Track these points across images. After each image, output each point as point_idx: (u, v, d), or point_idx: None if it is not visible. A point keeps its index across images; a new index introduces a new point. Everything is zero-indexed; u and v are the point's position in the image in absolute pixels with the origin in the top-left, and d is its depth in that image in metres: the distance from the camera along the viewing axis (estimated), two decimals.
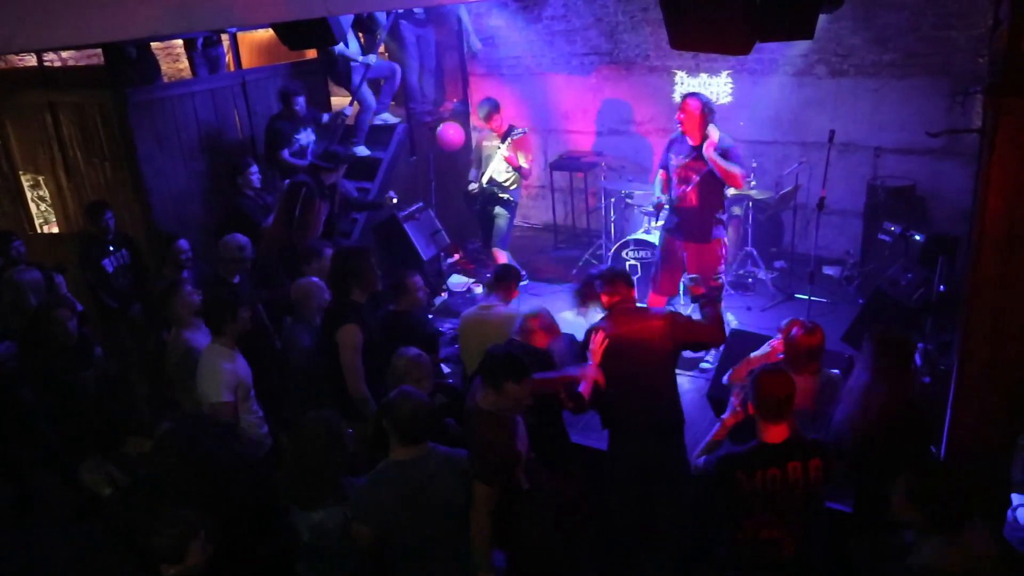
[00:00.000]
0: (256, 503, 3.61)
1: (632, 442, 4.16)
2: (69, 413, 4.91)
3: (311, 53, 8.29)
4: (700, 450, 3.68)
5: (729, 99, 8.12)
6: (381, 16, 7.59)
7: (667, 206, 6.12)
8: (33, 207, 7.45)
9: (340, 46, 7.23)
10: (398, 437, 3.24)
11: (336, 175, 6.37)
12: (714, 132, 5.70)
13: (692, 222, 5.93)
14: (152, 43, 7.64)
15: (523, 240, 9.15)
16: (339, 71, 7.74)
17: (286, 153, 6.91)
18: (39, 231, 7.46)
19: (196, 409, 4.30)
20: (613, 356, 4.08)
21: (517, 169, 7.20)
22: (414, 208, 7.87)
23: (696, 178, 5.77)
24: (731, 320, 6.80)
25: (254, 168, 6.57)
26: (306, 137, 7.07)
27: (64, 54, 8.88)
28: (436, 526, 3.23)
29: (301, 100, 6.99)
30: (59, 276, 5.56)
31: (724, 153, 5.69)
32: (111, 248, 6.10)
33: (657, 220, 6.68)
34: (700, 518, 4.24)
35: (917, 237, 6.47)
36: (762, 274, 7.46)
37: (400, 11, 7.74)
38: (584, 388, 4.00)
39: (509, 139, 7.13)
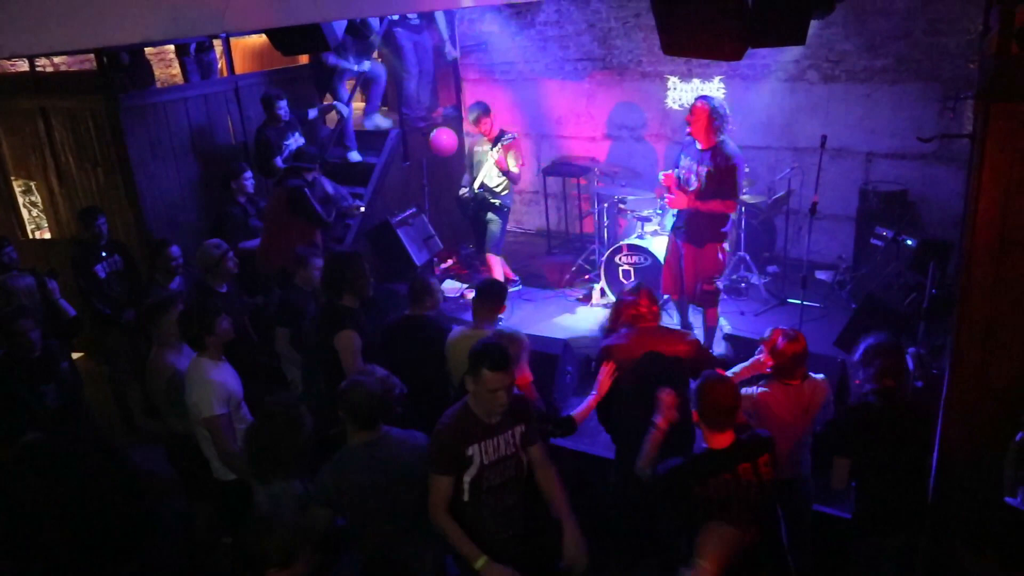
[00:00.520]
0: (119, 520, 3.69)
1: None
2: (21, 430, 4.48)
3: (305, 58, 8.29)
4: (643, 459, 3.63)
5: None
6: (374, 22, 7.60)
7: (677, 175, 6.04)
8: (25, 213, 7.43)
9: (333, 55, 7.24)
10: (354, 423, 3.40)
11: (314, 174, 6.38)
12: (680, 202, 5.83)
13: (691, 225, 5.95)
14: (145, 48, 7.64)
15: (516, 245, 9.16)
16: (321, 76, 7.75)
17: (279, 161, 6.91)
18: (31, 237, 7.44)
19: (188, 431, 4.21)
20: (630, 371, 4.06)
21: (506, 173, 7.20)
22: (407, 213, 7.87)
23: (696, 183, 5.78)
24: (724, 325, 6.81)
25: (248, 174, 6.56)
26: (295, 142, 7.07)
27: (56, 59, 8.87)
28: (400, 501, 3.37)
29: (283, 104, 6.98)
30: (52, 282, 5.54)
31: (722, 165, 5.66)
32: (104, 254, 6.07)
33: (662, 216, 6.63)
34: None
35: (909, 242, 6.49)
36: (755, 279, 7.47)
37: (395, 18, 7.75)
38: (578, 413, 4.00)
39: (499, 144, 7.14)
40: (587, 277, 8.03)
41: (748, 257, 7.47)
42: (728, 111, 5.70)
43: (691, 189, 5.81)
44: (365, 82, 8.00)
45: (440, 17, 8.22)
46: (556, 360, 5.69)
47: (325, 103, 7.89)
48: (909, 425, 3.69)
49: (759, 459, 3.31)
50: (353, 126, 8.08)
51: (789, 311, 6.97)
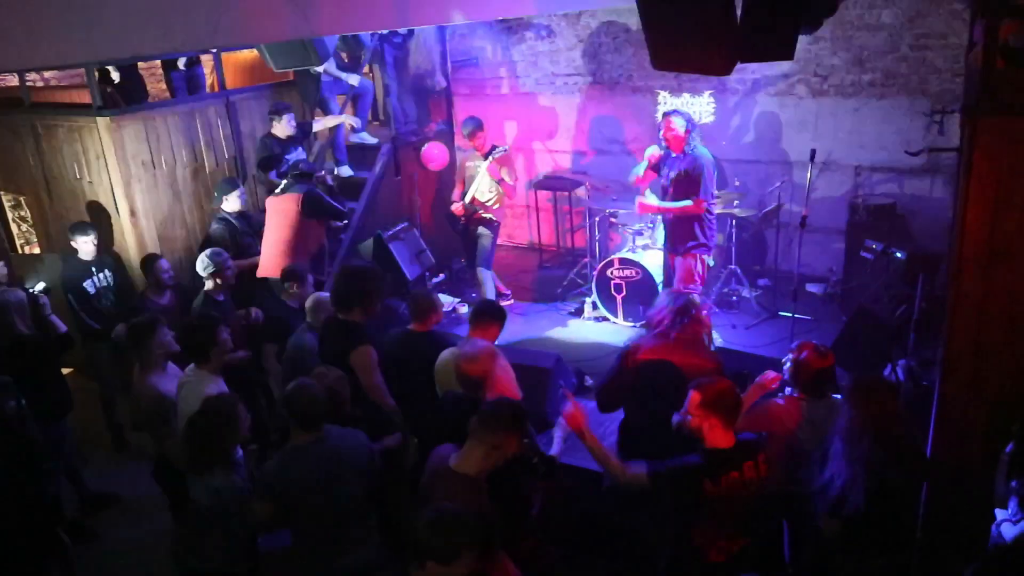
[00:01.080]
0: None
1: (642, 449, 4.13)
2: None
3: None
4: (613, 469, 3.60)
5: (712, 118, 8.19)
6: (365, 37, 7.63)
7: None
8: (14, 227, 7.40)
9: (325, 65, 7.25)
10: (298, 423, 3.58)
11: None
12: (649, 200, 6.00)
13: (672, 233, 6.12)
14: (138, 63, 7.65)
15: (507, 260, 9.16)
16: (307, 89, 7.77)
17: (273, 175, 6.91)
18: (20, 251, 7.40)
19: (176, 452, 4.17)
20: (649, 381, 4.06)
21: (499, 182, 7.22)
22: (399, 228, 7.86)
23: (672, 190, 5.98)
24: (716, 339, 6.82)
25: (242, 190, 6.55)
26: (295, 156, 7.07)
27: (47, 74, 8.86)
28: (341, 496, 3.57)
29: (290, 116, 7.00)
30: (43, 298, 5.51)
31: (690, 167, 5.86)
32: (93, 269, 6.05)
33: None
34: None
35: (898, 254, 6.52)
36: (746, 292, 7.49)
37: (386, 34, 7.78)
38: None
39: (491, 156, 7.17)
40: (579, 291, 8.03)
41: (739, 270, 7.49)
42: (692, 119, 6.08)
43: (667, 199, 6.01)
44: (354, 97, 8.02)
45: (434, 50, 8.25)
46: (548, 374, 5.68)
47: (318, 118, 7.90)
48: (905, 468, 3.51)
49: (758, 457, 3.35)
50: (344, 141, 8.09)
51: (780, 324, 6.99)
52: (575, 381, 6.18)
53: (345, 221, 7.19)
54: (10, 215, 7.34)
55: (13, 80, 7.41)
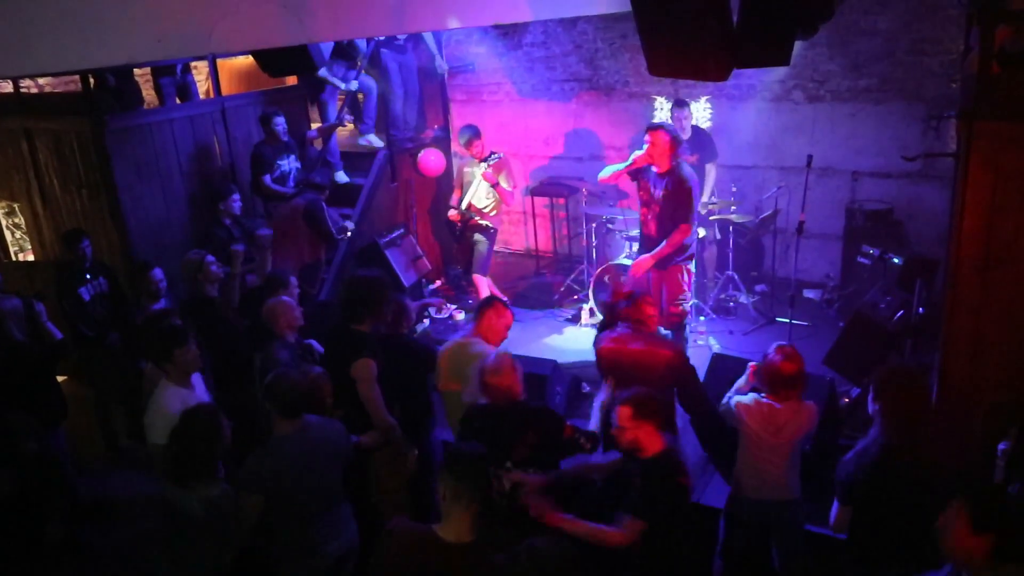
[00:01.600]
0: None
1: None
2: None
3: (291, 80, 8.29)
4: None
5: (708, 124, 8.18)
6: (361, 43, 7.62)
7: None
8: (8, 234, 7.37)
9: (323, 70, 7.24)
10: (280, 413, 3.66)
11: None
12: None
13: (652, 249, 5.95)
14: (135, 70, 7.63)
15: (504, 266, 9.14)
16: (323, 97, 7.78)
17: (267, 179, 6.89)
18: (14, 259, 7.37)
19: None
20: (614, 366, 4.24)
21: (494, 186, 7.21)
22: (395, 234, 7.85)
23: (656, 208, 5.83)
24: (713, 344, 6.81)
25: (236, 196, 6.53)
26: (289, 164, 7.05)
27: (41, 80, 8.84)
28: (325, 480, 3.70)
29: (280, 121, 6.97)
30: (39, 304, 5.46)
31: (678, 187, 5.72)
32: (88, 276, 6.01)
33: None
34: None
35: (896, 260, 6.51)
36: (743, 298, 7.48)
37: (381, 39, 7.77)
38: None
39: (488, 163, 7.16)
40: (576, 297, 8.02)
41: (736, 276, 7.48)
42: (679, 135, 5.88)
43: (651, 216, 5.88)
44: (354, 100, 8.01)
45: (429, 35, 8.25)
46: (545, 381, 5.67)
47: (325, 125, 7.90)
48: (920, 478, 3.37)
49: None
50: (338, 146, 8.07)
51: (778, 330, 6.97)
52: (572, 387, 6.17)
53: (336, 243, 7.19)
54: (4, 222, 7.31)
55: (7, 87, 7.38)
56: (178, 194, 7.05)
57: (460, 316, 7.81)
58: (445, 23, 7.47)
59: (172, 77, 7.55)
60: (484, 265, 7.44)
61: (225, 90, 8.20)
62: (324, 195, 6.57)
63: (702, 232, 7.20)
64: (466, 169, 7.47)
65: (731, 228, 7.40)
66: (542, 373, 5.70)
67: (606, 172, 6.08)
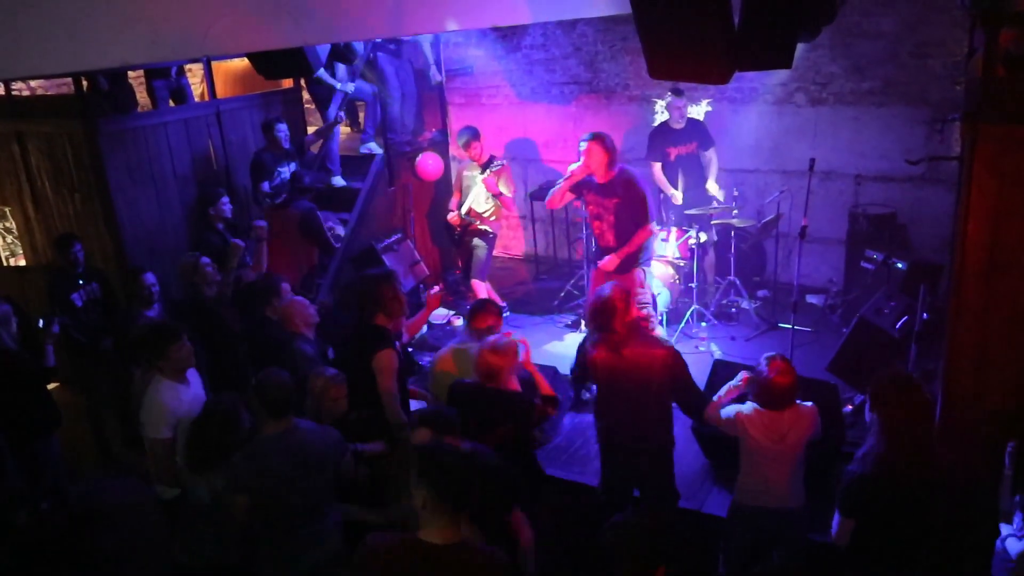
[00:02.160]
0: None
1: (618, 454, 4.30)
2: None
3: (287, 83, 8.23)
4: None
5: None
6: (359, 46, 7.55)
7: None
8: None
9: (321, 71, 7.18)
10: (267, 412, 3.67)
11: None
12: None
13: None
14: (128, 72, 7.57)
15: (504, 271, 9.08)
16: (321, 93, 7.71)
17: (266, 186, 6.84)
18: (5, 264, 7.30)
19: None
20: (609, 370, 4.16)
21: (497, 196, 7.15)
22: (393, 239, 7.78)
23: (611, 218, 5.83)
24: (715, 351, 6.74)
25: (226, 200, 6.46)
26: (289, 171, 7.00)
27: (33, 83, 8.79)
28: (310, 484, 3.64)
29: (283, 127, 6.92)
30: (56, 325, 5.33)
31: (629, 192, 5.72)
32: (80, 282, 5.95)
33: None
34: None
35: (899, 265, 6.45)
36: (745, 303, 7.40)
37: (379, 42, 7.71)
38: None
39: (489, 169, 7.10)
40: (576, 303, 7.94)
41: (738, 281, 7.40)
42: (613, 142, 5.83)
43: (606, 227, 5.88)
44: (351, 105, 7.96)
45: (425, 42, 8.20)
46: None
47: (310, 131, 7.85)
48: (923, 494, 3.38)
49: None
50: (339, 150, 8.01)
51: (780, 335, 6.90)
52: (572, 394, 6.09)
53: (334, 250, 7.16)
54: None
55: None
56: (172, 198, 6.98)
57: (458, 322, 7.74)
58: (443, 25, 7.40)
59: (166, 80, 7.48)
60: (483, 270, 7.37)
61: (220, 93, 8.13)
62: (309, 196, 6.50)
63: (703, 237, 7.14)
64: (465, 173, 7.41)
65: (733, 233, 7.33)
66: None
67: (550, 196, 6.08)
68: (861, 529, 3.50)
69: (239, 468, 3.60)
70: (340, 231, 7.08)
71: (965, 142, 3.81)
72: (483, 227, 7.31)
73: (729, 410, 3.94)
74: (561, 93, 9.02)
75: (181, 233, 7.00)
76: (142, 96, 8.12)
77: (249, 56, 5.34)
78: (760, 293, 7.77)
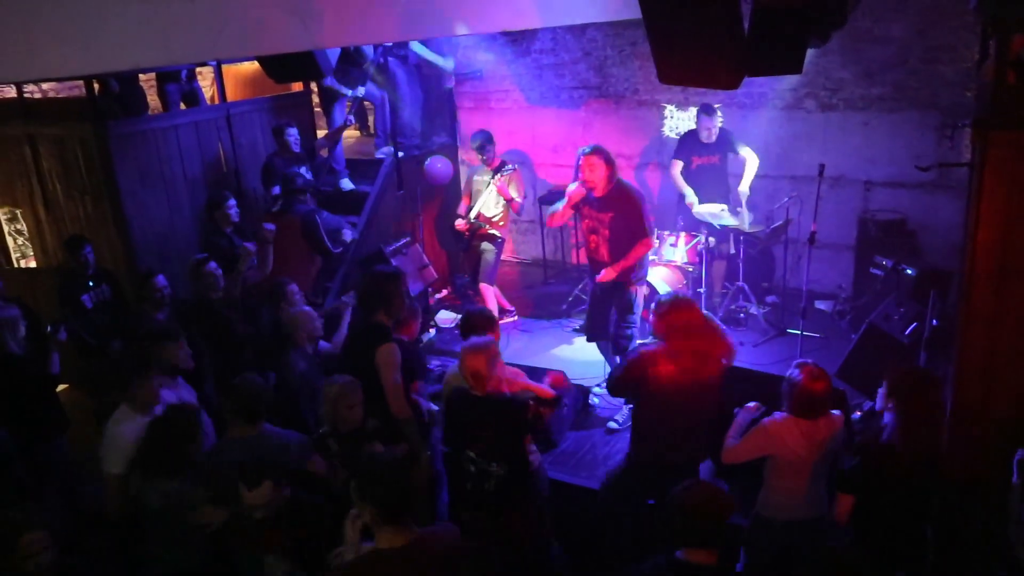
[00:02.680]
0: None
1: (649, 470, 4.27)
2: None
3: (297, 86, 8.26)
4: None
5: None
6: (368, 50, 7.58)
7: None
8: (10, 241, 7.34)
9: (329, 78, 7.21)
10: (237, 415, 3.76)
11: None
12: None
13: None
14: (140, 75, 7.61)
15: (512, 275, 9.08)
16: (329, 95, 7.75)
17: (277, 190, 6.86)
18: (16, 265, 7.33)
19: None
20: (654, 382, 4.12)
21: (509, 201, 7.15)
22: (401, 243, 7.78)
23: (606, 232, 5.72)
24: None
25: (232, 202, 6.46)
26: (307, 172, 7.02)
27: (45, 86, 8.83)
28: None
29: (293, 132, 6.94)
30: (63, 333, 5.30)
31: (626, 206, 5.62)
32: (91, 284, 5.97)
33: None
34: None
35: (909, 271, 6.42)
36: (754, 309, 7.38)
37: (389, 46, 7.73)
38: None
39: (500, 174, 7.11)
40: (583, 307, 7.92)
41: (747, 287, 7.38)
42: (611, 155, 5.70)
43: (601, 241, 5.77)
44: (361, 109, 7.98)
45: (435, 57, 8.22)
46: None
47: (331, 130, 7.87)
48: (923, 471, 3.54)
49: None
50: (344, 153, 8.03)
51: (789, 341, 6.87)
52: (580, 399, 6.09)
53: (334, 256, 7.08)
54: (6, 228, 7.28)
55: (10, 91, 7.36)
56: (182, 201, 7.02)
57: None
58: (453, 29, 7.43)
59: (177, 83, 7.53)
60: (491, 274, 7.38)
61: (230, 96, 8.17)
62: (305, 197, 6.50)
63: (712, 241, 7.13)
64: (476, 177, 7.42)
65: (741, 238, 7.31)
66: None
67: (551, 215, 6.05)
68: (859, 507, 3.61)
69: (203, 466, 3.72)
70: (349, 234, 7.07)
71: (976, 148, 3.80)
72: (492, 232, 7.31)
73: (757, 430, 3.84)
74: (570, 98, 9.02)
75: (191, 236, 7.03)
76: (153, 99, 8.15)
77: (259, 59, 5.36)
78: (769, 299, 7.75)
